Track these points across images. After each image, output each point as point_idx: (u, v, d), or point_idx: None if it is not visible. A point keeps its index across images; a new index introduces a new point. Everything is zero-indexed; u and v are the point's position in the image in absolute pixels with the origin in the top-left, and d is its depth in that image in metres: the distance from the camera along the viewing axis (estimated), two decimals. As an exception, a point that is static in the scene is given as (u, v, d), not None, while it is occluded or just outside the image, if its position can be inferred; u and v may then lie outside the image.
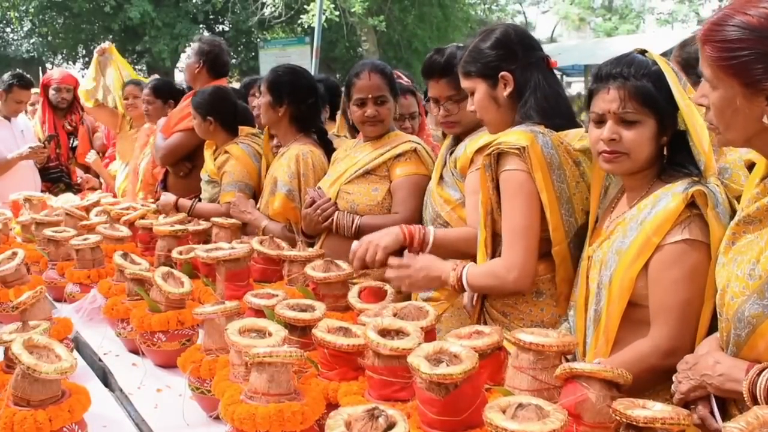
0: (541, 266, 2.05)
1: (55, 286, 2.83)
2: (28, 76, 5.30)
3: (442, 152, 2.65)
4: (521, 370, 1.53)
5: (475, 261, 2.19)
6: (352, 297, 2.10)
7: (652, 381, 1.69)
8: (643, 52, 1.81)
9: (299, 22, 17.31)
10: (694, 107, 1.73)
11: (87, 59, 21.34)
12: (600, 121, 1.78)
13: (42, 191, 4.76)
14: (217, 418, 1.59)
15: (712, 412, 1.48)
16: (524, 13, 34.14)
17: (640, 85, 1.72)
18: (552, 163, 1.97)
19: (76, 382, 1.71)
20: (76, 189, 5.34)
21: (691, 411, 1.47)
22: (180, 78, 15.34)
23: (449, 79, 2.45)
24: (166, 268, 2.28)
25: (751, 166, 1.67)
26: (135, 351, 2.23)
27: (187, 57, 4.27)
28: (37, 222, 3.30)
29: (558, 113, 2.07)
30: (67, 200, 3.95)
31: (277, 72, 3.23)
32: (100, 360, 2.25)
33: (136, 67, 20.81)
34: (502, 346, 1.63)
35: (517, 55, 2.09)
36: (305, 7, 16.97)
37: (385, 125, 2.81)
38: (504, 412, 1.26)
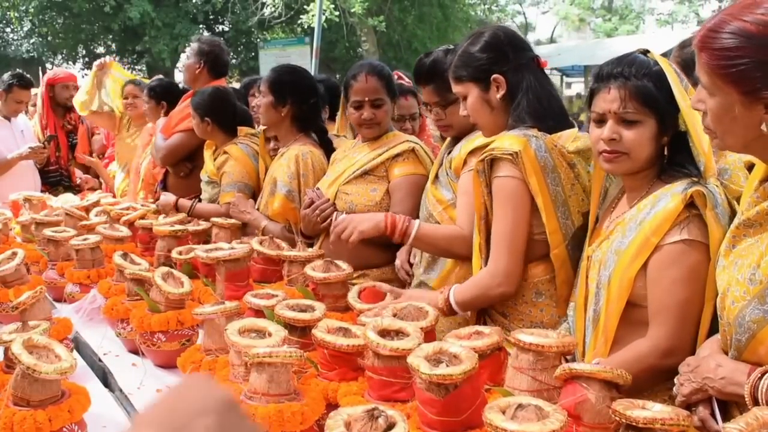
0: (540, 267, 2.05)
1: (54, 286, 2.83)
2: (28, 76, 5.29)
3: (441, 152, 2.65)
4: (521, 370, 1.53)
5: (457, 260, 2.30)
6: (352, 297, 2.10)
7: (651, 381, 1.69)
8: (645, 52, 1.81)
9: (299, 22, 17.31)
10: (695, 108, 1.73)
11: (87, 59, 21.37)
12: (600, 121, 1.78)
13: (42, 191, 4.76)
14: (216, 418, 1.59)
15: (713, 414, 1.48)
16: (524, 13, 34.17)
17: (641, 85, 1.72)
18: (546, 166, 1.97)
19: (75, 383, 1.71)
20: (76, 190, 5.34)
21: (692, 413, 1.47)
22: (179, 78, 15.33)
23: (434, 86, 2.47)
24: (165, 269, 2.28)
25: (750, 167, 1.67)
26: (135, 351, 2.23)
27: (186, 57, 4.27)
28: (36, 222, 3.30)
29: (551, 114, 2.07)
30: (67, 200, 3.95)
31: (278, 72, 3.22)
32: (99, 360, 2.25)
33: (136, 67, 20.83)
34: (502, 347, 1.63)
35: (507, 57, 2.09)
36: (305, 7, 16.97)
37: (382, 127, 2.81)
38: (504, 412, 1.26)
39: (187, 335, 2.15)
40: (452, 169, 2.45)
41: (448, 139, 2.63)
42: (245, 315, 1.95)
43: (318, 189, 2.87)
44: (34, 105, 5.95)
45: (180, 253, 2.67)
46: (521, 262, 2.04)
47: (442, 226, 2.44)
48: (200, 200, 3.72)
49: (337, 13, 16.53)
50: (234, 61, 19.77)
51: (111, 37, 19.92)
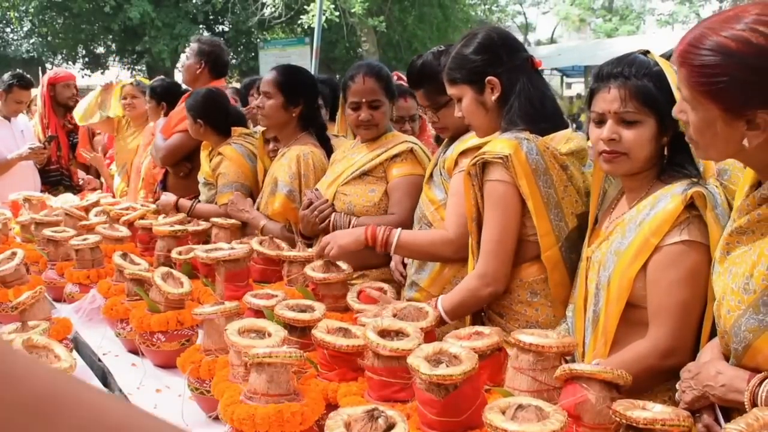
0: (535, 267, 2.05)
1: (54, 286, 2.83)
2: (28, 76, 5.29)
3: (438, 152, 2.65)
4: (521, 371, 1.53)
5: (443, 263, 2.36)
6: (352, 298, 2.10)
7: (651, 381, 1.69)
8: (645, 52, 1.80)
9: (299, 22, 17.30)
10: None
11: (87, 59, 21.37)
12: (600, 121, 1.78)
13: (42, 191, 4.76)
14: (216, 418, 1.59)
15: (716, 420, 1.47)
16: (524, 13, 34.16)
17: (641, 85, 1.72)
18: (538, 169, 1.96)
19: (75, 383, 1.70)
20: (76, 190, 5.34)
21: (696, 419, 1.47)
22: (179, 78, 15.32)
23: (424, 90, 2.47)
24: (165, 269, 2.28)
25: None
26: (134, 351, 2.23)
27: (186, 58, 4.26)
28: (36, 222, 3.30)
29: (543, 116, 2.06)
30: (67, 200, 3.95)
31: (285, 73, 3.18)
32: (99, 360, 2.25)
33: (136, 67, 20.83)
34: (502, 347, 1.63)
35: (501, 58, 2.08)
36: (305, 7, 16.97)
37: (380, 128, 2.81)
38: (504, 413, 1.26)
39: (187, 335, 2.15)
40: (445, 170, 2.45)
41: (447, 138, 2.63)
42: (245, 315, 1.95)
43: (317, 190, 2.87)
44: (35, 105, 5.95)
45: (180, 254, 2.67)
46: (510, 265, 2.04)
47: (425, 232, 2.43)
48: (200, 200, 3.72)
49: (337, 13, 16.52)
50: (234, 61, 19.76)
51: (111, 37, 19.90)
